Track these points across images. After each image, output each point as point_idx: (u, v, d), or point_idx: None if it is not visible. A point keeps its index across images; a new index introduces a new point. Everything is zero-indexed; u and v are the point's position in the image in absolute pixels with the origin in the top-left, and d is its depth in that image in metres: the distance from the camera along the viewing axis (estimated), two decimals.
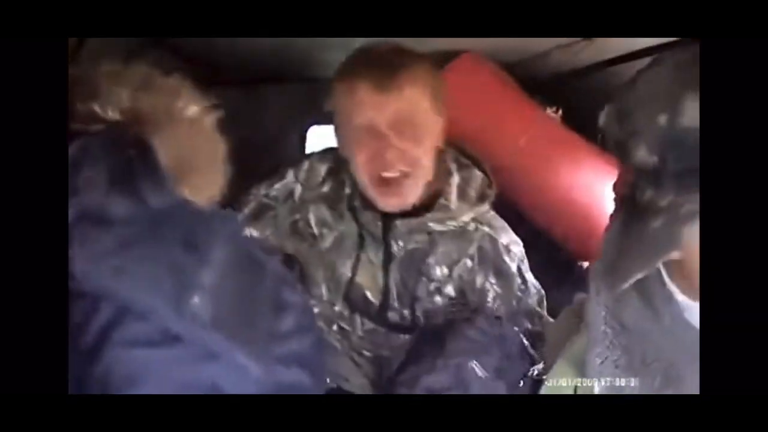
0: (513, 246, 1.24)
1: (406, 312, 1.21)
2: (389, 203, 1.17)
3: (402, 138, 1.12)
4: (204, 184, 0.70)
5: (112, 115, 0.65)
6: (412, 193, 1.17)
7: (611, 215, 0.92)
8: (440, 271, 1.20)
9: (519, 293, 1.21)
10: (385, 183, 1.15)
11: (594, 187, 1.46)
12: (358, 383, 1.25)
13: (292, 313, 0.67)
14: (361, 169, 1.16)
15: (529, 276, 1.24)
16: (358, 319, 1.23)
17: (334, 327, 1.24)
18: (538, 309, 1.21)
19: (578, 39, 1.35)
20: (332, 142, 1.30)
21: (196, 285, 0.58)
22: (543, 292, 1.25)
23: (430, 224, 1.20)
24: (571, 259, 1.59)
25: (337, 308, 1.24)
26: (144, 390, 0.57)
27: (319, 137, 1.94)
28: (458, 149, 1.27)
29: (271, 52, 1.55)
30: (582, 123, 1.68)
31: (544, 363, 1.04)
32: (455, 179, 1.22)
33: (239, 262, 0.64)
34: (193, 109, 0.71)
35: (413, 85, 1.11)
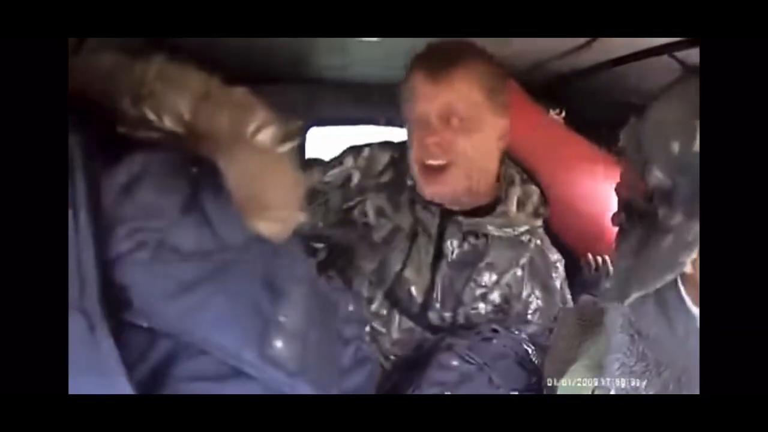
0: (559, 263, 1.26)
1: (447, 314, 1.20)
2: (431, 190, 1.18)
3: (447, 128, 1.14)
4: (274, 220, 0.61)
5: (170, 125, 0.58)
6: (456, 184, 1.17)
7: (613, 216, 0.92)
8: (489, 277, 1.20)
9: (556, 311, 1.22)
10: (429, 171, 1.16)
11: (600, 189, 1.46)
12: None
13: (353, 345, 0.66)
14: (412, 157, 1.18)
15: (569, 295, 1.25)
16: (396, 317, 1.21)
17: (366, 329, 1.21)
18: None
19: (580, 42, 1.34)
20: (331, 145, 1.30)
21: (278, 327, 0.55)
22: None
23: (489, 227, 1.20)
24: (578, 261, 1.59)
25: (373, 306, 1.22)
26: None
27: (319, 138, 1.94)
28: (518, 164, 1.29)
29: (270, 52, 1.55)
30: (585, 124, 1.68)
31: (542, 368, 1.04)
32: (517, 190, 1.24)
33: (316, 304, 0.60)
34: (265, 135, 0.61)
35: (466, 78, 1.13)
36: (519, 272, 1.21)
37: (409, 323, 1.21)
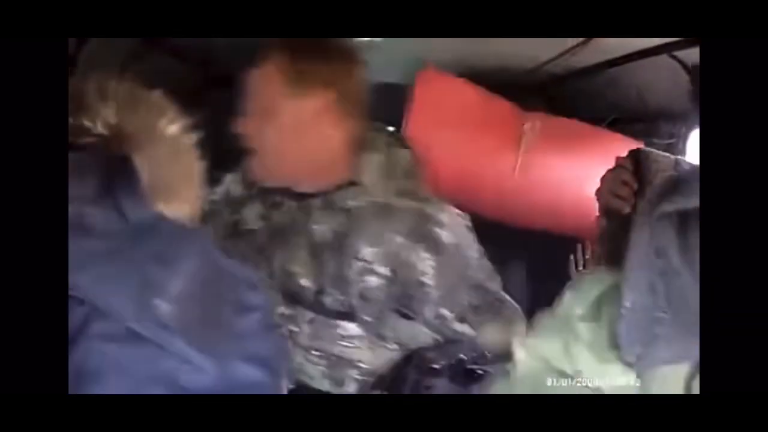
0: (448, 218, 1.22)
1: (341, 297, 1.21)
2: (255, 176, 1.24)
3: (254, 116, 1.19)
4: (181, 202, 0.72)
5: (101, 129, 0.67)
6: (269, 168, 1.21)
7: (597, 218, 0.91)
8: (368, 250, 1.20)
9: (459, 267, 1.21)
10: (251, 158, 1.21)
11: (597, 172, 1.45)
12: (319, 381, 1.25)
13: (254, 314, 0.68)
14: None
15: (471, 251, 1.23)
16: (299, 312, 1.23)
17: (282, 330, 1.23)
18: (484, 283, 1.22)
19: (576, 42, 1.35)
20: None
21: (160, 289, 0.61)
22: (491, 265, 1.25)
23: (348, 202, 1.21)
24: (562, 253, 1.59)
25: (279, 309, 1.23)
26: (110, 382, 0.59)
27: None
28: (383, 129, 1.31)
29: None
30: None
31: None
32: (377, 157, 1.24)
33: (206, 272, 0.66)
34: (173, 128, 0.72)
35: (268, 66, 1.18)
36: (398, 239, 1.19)
37: (312, 314, 1.22)
